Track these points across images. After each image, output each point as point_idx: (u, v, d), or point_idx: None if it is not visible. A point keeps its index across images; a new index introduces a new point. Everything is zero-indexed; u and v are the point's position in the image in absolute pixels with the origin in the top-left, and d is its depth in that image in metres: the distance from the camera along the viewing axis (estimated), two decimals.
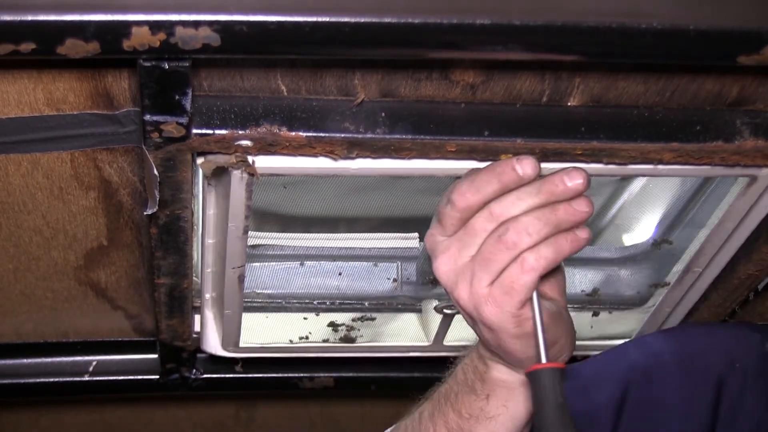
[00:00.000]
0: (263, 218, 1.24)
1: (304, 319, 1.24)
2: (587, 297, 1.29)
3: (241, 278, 1.02)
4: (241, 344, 1.19)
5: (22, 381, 1.29)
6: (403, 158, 0.84)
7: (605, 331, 1.27)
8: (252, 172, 0.83)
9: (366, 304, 1.30)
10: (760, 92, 0.84)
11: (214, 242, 1.01)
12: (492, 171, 0.78)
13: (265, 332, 1.23)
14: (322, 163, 0.84)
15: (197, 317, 1.18)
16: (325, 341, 1.24)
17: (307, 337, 1.24)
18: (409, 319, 1.29)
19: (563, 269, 0.86)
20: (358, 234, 1.34)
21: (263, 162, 0.83)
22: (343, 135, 0.81)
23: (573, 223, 0.78)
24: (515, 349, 0.83)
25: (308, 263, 1.31)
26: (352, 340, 1.24)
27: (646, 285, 1.31)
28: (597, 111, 0.84)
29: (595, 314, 1.29)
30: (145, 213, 0.90)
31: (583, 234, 0.79)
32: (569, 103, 0.84)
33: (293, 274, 1.31)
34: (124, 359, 1.30)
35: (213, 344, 1.18)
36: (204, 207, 0.96)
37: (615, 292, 1.35)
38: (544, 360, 0.80)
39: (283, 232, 1.32)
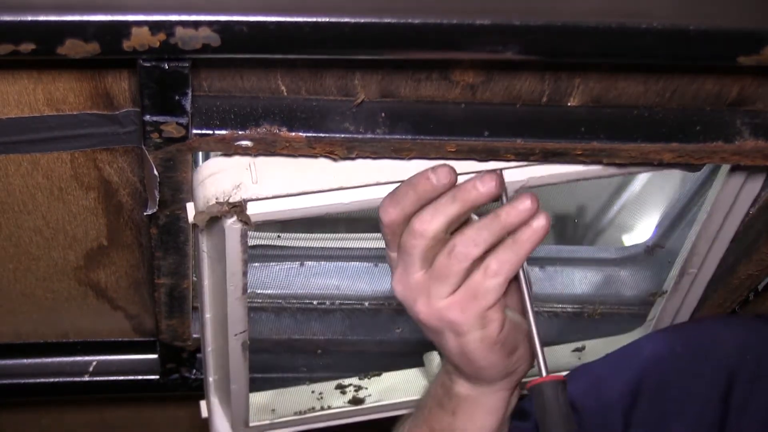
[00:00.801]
0: None
1: (312, 392, 1.24)
2: (587, 311, 1.30)
3: (245, 346, 1.01)
4: (251, 424, 1.18)
5: (22, 381, 1.29)
6: (402, 158, 0.84)
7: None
8: (245, 220, 0.83)
9: (366, 304, 1.31)
10: (760, 92, 0.84)
11: (213, 315, 1.00)
12: (409, 183, 0.79)
13: (274, 407, 1.22)
14: (321, 200, 0.84)
15: (203, 403, 1.17)
16: (333, 407, 1.23)
17: (315, 408, 1.23)
18: (414, 373, 1.28)
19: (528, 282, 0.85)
20: (358, 234, 1.34)
21: (257, 208, 0.83)
22: (343, 135, 0.81)
23: (520, 221, 0.78)
24: (479, 354, 0.83)
25: (308, 263, 1.31)
26: (361, 401, 1.23)
27: (645, 293, 1.31)
28: (597, 111, 0.84)
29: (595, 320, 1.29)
30: (145, 213, 0.90)
31: (539, 222, 0.78)
32: (569, 103, 0.84)
33: (293, 274, 1.31)
34: (124, 359, 1.30)
35: (222, 428, 1.17)
36: (201, 276, 0.96)
37: (616, 293, 1.35)
38: (544, 373, 0.81)
39: (282, 232, 1.32)
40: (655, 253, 1.33)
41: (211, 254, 0.93)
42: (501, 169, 0.85)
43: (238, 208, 0.82)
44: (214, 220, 0.84)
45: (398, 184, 0.81)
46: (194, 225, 0.86)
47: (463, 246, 0.78)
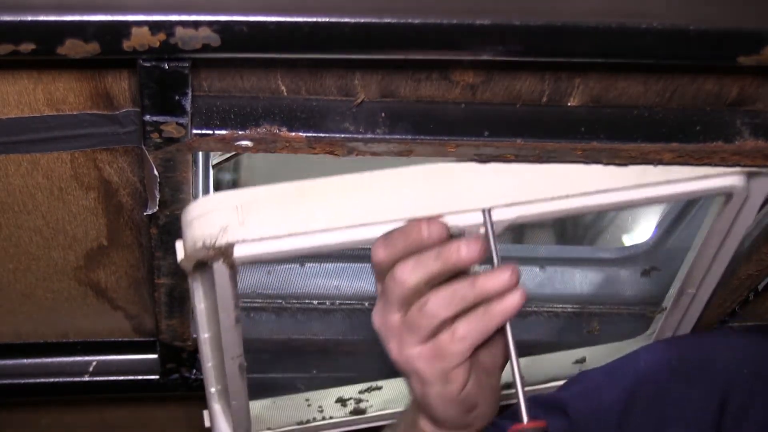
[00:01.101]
0: None
1: (310, 405, 1.24)
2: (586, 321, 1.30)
3: (242, 368, 1.01)
4: None
5: (22, 381, 1.29)
6: (404, 156, 0.84)
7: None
8: (231, 264, 0.82)
9: (366, 304, 1.31)
10: (760, 92, 0.84)
11: (210, 336, 1.01)
12: (402, 229, 0.80)
13: (275, 417, 1.23)
14: (308, 241, 0.83)
15: (206, 413, 1.18)
16: (334, 417, 1.23)
17: (316, 418, 1.23)
18: None
19: (508, 345, 0.85)
20: None
21: (243, 250, 0.82)
22: (343, 135, 0.81)
23: (495, 293, 0.79)
24: (437, 406, 0.84)
25: (308, 264, 1.31)
26: (363, 412, 1.23)
27: (645, 294, 1.31)
28: (597, 111, 0.84)
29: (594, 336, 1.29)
30: (145, 213, 0.90)
31: (513, 300, 0.79)
32: (569, 103, 0.84)
33: (293, 274, 1.31)
34: (124, 359, 1.30)
35: None
36: (195, 302, 0.96)
37: (616, 293, 1.35)
38: (525, 420, 0.81)
39: None
40: (651, 276, 1.33)
41: (203, 283, 0.93)
42: (492, 225, 0.85)
43: (224, 253, 0.81)
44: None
45: (391, 225, 0.81)
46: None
47: (435, 305, 0.79)
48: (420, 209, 0.83)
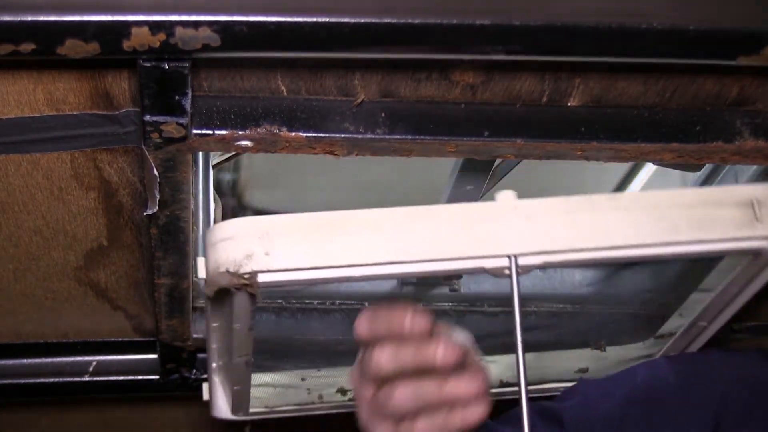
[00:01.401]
0: None
1: (310, 393, 1.24)
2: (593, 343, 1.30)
3: (249, 363, 1.01)
4: (251, 410, 1.18)
5: (22, 381, 1.29)
6: (404, 156, 0.84)
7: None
8: (254, 293, 0.81)
9: (366, 304, 1.31)
10: (760, 92, 0.84)
11: (218, 325, 1.00)
12: (389, 311, 0.80)
13: (274, 399, 1.23)
14: (330, 273, 0.82)
15: (205, 386, 1.18)
16: (333, 401, 1.23)
17: (315, 401, 1.23)
18: None
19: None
20: None
21: (266, 277, 0.80)
22: (343, 135, 0.81)
23: (462, 400, 0.79)
24: None
25: None
26: None
27: (646, 294, 1.30)
28: (597, 111, 0.84)
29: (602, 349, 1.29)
30: (145, 213, 0.90)
31: (475, 411, 0.79)
32: (569, 103, 0.84)
33: None
34: (124, 359, 1.30)
35: (223, 410, 1.16)
36: (207, 303, 0.96)
37: (616, 293, 1.35)
38: None
39: None
40: (653, 289, 1.33)
41: (221, 303, 0.93)
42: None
43: (248, 282, 0.81)
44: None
45: (417, 265, 0.80)
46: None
47: (400, 398, 0.79)
48: (448, 249, 0.82)
